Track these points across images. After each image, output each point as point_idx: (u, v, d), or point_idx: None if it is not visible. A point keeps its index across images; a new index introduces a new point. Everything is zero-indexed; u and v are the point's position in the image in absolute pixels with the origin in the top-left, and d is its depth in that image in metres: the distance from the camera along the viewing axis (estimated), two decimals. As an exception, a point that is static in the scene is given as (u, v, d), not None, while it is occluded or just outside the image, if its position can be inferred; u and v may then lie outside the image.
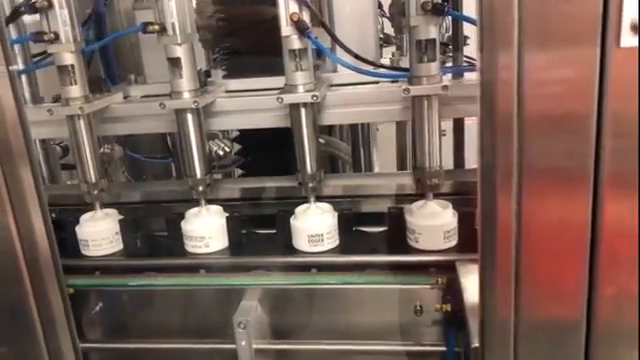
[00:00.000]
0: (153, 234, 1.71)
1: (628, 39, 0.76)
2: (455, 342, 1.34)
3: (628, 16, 0.76)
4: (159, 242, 1.68)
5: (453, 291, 1.34)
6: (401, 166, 2.21)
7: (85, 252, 1.59)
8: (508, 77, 0.80)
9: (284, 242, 1.53)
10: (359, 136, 1.79)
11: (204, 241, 1.53)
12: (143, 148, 2.10)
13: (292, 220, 1.50)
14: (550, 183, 0.83)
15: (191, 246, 1.55)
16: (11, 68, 0.91)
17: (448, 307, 1.35)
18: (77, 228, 1.59)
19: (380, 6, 1.88)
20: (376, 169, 1.89)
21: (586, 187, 0.82)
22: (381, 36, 2.05)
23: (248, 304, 1.42)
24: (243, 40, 1.65)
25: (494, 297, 0.90)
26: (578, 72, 0.79)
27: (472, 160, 1.64)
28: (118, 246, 1.61)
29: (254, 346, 1.38)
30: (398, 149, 2.14)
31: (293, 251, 1.51)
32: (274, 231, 1.59)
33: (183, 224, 1.55)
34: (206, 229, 1.54)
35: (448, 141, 1.48)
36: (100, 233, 1.58)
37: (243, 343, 1.37)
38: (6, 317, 1.03)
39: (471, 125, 1.77)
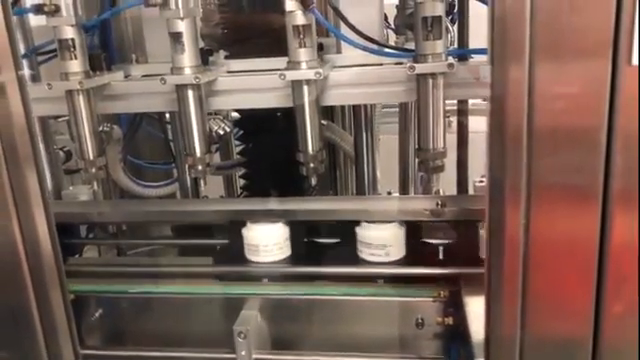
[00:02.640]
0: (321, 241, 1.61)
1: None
2: (457, 356, 1.33)
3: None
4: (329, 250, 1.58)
5: (455, 304, 1.34)
6: (403, 176, 2.20)
7: (253, 258, 1.51)
8: (519, 91, 0.79)
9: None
10: (362, 134, 1.72)
11: (385, 249, 1.46)
12: (144, 153, 2.09)
13: None
14: (559, 198, 0.83)
15: (369, 254, 1.48)
16: (20, 73, 0.91)
17: (450, 320, 1.35)
18: (244, 231, 1.51)
19: (385, 18, 1.88)
20: (378, 173, 1.83)
21: (595, 203, 0.81)
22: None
23: (248, 314, 1.41)
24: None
25: (500, 312, 0.89)
26: (589, 87, 0.79)
27: (477, 173, 1.63)
28: (287, 252, 1.52)
29: (254, 356, 1.37)
30: (401, 162, 2.13)
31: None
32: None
33: (359, 230, 1.48)
34: (387, 237, 1.46)
35: (451, 151, 1.44)
36: (272, 238, 1.50)
37: (243, 353, 1.37)
38: (8, 322, 1.02)
39: (476, 138, 1.76)
